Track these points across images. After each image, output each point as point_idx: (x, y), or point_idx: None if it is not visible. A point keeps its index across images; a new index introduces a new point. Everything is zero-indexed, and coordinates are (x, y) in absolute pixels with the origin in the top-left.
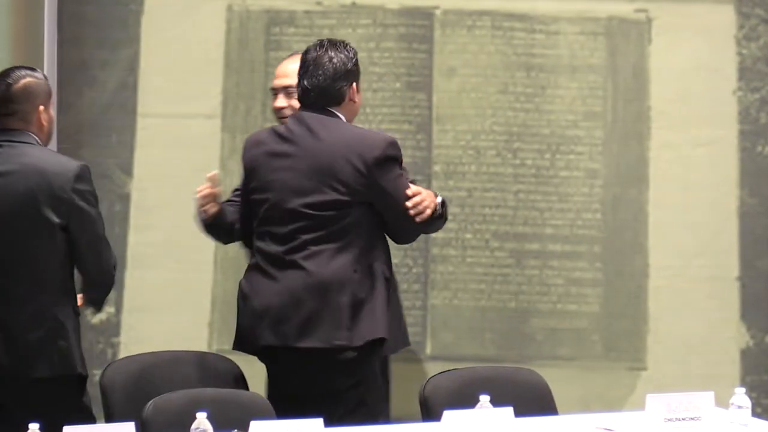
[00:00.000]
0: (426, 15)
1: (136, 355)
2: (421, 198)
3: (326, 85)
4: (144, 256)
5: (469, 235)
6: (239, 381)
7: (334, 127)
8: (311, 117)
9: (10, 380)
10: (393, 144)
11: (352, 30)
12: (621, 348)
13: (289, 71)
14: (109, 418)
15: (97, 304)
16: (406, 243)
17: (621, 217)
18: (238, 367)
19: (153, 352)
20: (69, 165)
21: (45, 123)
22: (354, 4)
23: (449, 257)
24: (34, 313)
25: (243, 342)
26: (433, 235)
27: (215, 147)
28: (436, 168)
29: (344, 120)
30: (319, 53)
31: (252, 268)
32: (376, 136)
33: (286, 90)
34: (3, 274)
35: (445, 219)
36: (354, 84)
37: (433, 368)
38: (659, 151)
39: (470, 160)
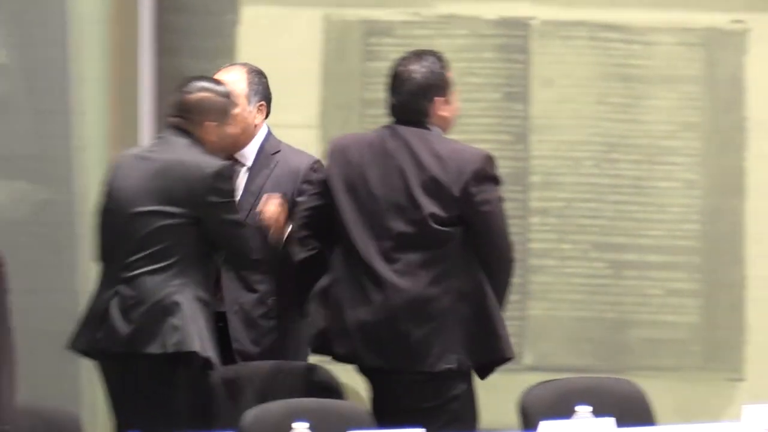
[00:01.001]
0: (523, 25)
1: (235, 365)
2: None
3: (408, 101)
4: None
5: (567, 246)
6: (338, 391)
7: (428, 141)
8: (406, 131)
9: (127, 355)
10: (489, 159)
11: (450, 40)
12: (719, 359)
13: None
14: (207, 429)
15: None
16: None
17: (719, 228)
18: (336, 377)
19: (252, 363)
20: (211, 162)
21: (213, 138)
22: (451, 14)
23: (547, 267)
24: (151, 292)
25: (324, 347)
26: (532, 245)
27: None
28: (534, 178)
29: (439, 133)
30: (402, 68)
31: (338, 277)
32: (472, 151)
33: None
34: (129, 251)
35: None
36: (440, 98)
37: (531, 379)
38: (757, 161)
39: (568, 171)
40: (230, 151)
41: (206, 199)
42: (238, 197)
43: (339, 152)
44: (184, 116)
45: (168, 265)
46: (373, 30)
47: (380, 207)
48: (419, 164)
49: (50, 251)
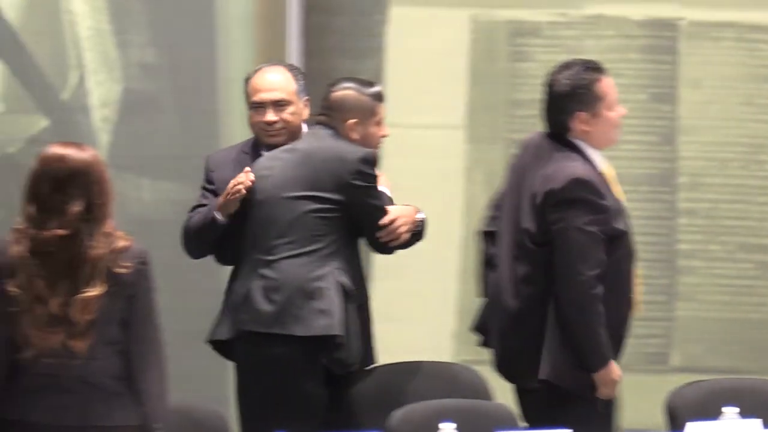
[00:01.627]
0: (671, 26)
1: (382, 365)
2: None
3: (549, 113)
4: (389, 266)
5: (714, 247)
6: (484, 391)
7: (546, 158)
8: (542, 141)
9: (269, 336)
10: (574, 181)
11: (596, 41)
12: None
13: (275, 83)
14: (354, 428)
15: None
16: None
17: None
18: (483, 378)
19: (398, 363)
20: (357, 150)
21: (356, 136)
22: (598, 15)
23: (695, 269)
24: (295, 276)
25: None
26: (680, 246)
27: (459, 158)
28: (682, 179)
29: (582, 147)
30: (549, 78)
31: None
32: (564, 171)
33: (276, 104)
34: (273, 236)
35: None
36: (583, 111)
37: (678, 379)
38: None
39: (715, 172)
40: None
41: (350, 182)
42: None
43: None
44: (327, 113)
45: (312, 250)
46: (520, 30)
47: (503, 220)
48: (532, 180)
49: None
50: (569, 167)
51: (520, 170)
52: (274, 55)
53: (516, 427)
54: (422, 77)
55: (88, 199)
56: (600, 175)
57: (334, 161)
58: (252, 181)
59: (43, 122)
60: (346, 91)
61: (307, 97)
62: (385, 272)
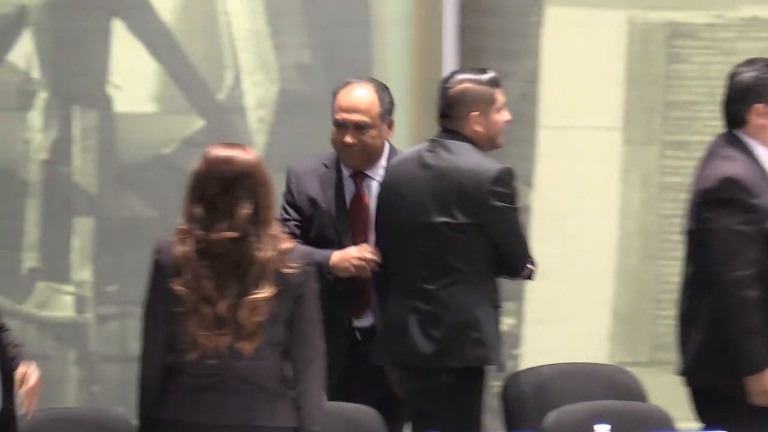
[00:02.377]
0: None
1: (538, 366)
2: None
3: (728, 106)
4: (544, 268)
5: None
6: (639, 393)
7: (712, 157)
8: (714, 142)
9: (424, 370)
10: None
11: (752, 43)
12: None
13: (360, 105)
14: (510, 429)
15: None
16: None
17: None
18: (638, 379)
19: (554, 364)
20: (488, 167)
21: (479, 128)
22: (754, 17)
23: None
24: (448, 305)
25: None
26: None
27: (616, 159)
28: None
29: (752, 145)
30: (732, 71)
31: None
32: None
33: (357, 126)
34: (419, 264)
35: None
36: (762, 104)
37: None
38: None
39: None
40: (493, 143)
41: (486, 203)
42: (373, 211)
43: None
44: (448, 112)
45: (462, 277)
46: (677, 32)
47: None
48: (695, 181)
49: None
50: (723, 166)
51: (695, 172)
52: (430, 56)
53: (671, 428)
54: (578, 79)
55: (254, 201)
56: (763, 173)
57: (467, 184)
58: (377, 262)
59: (198, 123)
60: (462, 84)
61: (391, 118)
62: (541, 274)
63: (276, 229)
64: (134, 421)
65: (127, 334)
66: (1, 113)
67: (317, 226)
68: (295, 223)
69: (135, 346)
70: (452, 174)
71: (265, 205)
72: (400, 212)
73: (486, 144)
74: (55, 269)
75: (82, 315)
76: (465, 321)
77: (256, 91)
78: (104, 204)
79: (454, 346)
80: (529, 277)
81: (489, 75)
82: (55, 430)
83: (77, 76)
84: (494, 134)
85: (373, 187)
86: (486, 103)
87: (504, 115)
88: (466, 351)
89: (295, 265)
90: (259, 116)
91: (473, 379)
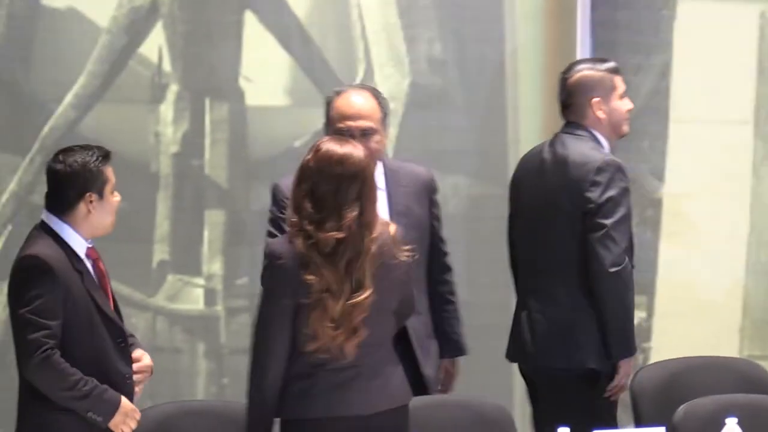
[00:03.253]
0: None
1: (667, 360)
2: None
3: None
4: (675, 261)
5: None
6: None
7: None
8: None
9: (536, 369)
10: None
11: None
12: None
13: (364, 111)
14: (638, 423)
15: None
16: None
17: None
18: None
19: (683, 358)
20: (594, 158)
21: (601, 115)
22: None
23: None
24: (554, 306)
25: None
26: None
27: (747, 153)
28: None
29: None
30: None
31: None
32: None
33: (363, 133)
34: (532, 259)
35: None
36: None
37: None
38: None
39: None
40: (617, 131)
41: (585, 195)
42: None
43: None
44: (569, 102)
45: (569, 274)
46: None
47: None
48: None
49: (486, 245)
50: None
51: None
52: (563, 51)
53: None
54: (710, 73)
55: (361, 200)
56: None
57: (575, 173)
58: None
59: None
60: (581, 72)
61: (387, 122)
62: (671, 267)
63: (380, 221)
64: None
65: None
66: (133, 106)
67: None
68: None
69: None
70: (562, 167)
71: (371, 204)
72: (522, 207)
73: (610, 132)
74: (186, 262)
75: (212, 308)
76: (568, 323)
77: (387, 85)
78: (235, 197)
79: (556, 346)
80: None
81: (608, 63)
82: (185, 423)
83: (209, 69)
84: (617, 121)
85: (379, 195)
86: (606, 89)
87: (626, 104)
88: (568, 352)
89: (402, 251)
90: (390, 109)
91: (593, 376)
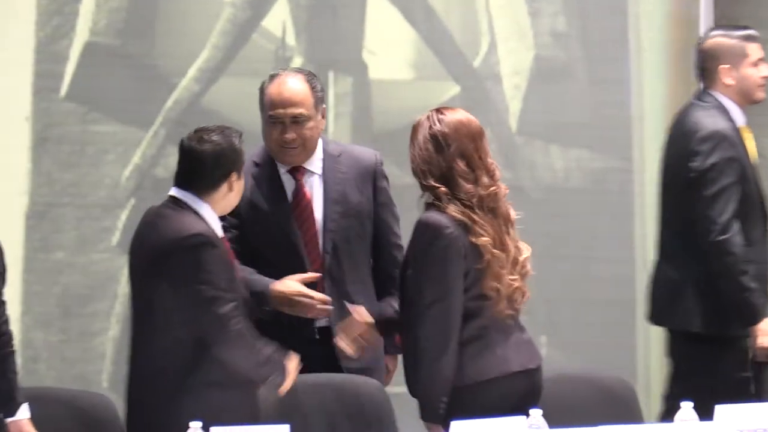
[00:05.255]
0: None
1: None
2: None
3: None
4: None
5: None
6: None
7: None
8: None
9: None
10: None
11: None
12: None
13: (294, 98)
14: None
15: None
16: None
17: None
18: None
19: None
20: (702, 125)
21: (730, 82)
22: None
23: None
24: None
25: None
26: None
27: None
28: None
29: None
30: None
31: None
32: None
33: (294, 120)
34: (661, 231)
35: None
36: None
37: None
38: None
39: None
40: (748, 97)
41: (689, 164)
42: (318, 206)
43: None
44: (702, 68)
45: (686, 242)
46: None
47: None
48: None
49: (608, 219)
50: None
51: None
52: (686, 24)
53: None
54: None
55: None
56: None
57: (684, 141)
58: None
59: (453, 90)
60: (713, 39)
61: (324, 106)
62: None
63: None
64: (388, 389)
65: None
66: (256, 80)
67: (260, 232)
68: (234, 233)
69: None
70: (679, 135)
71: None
72: (660, 174)
73: (740, 98)
74: None
75: None
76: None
77: (511, 58)
78: None
79: (674, 308)
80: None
81: (743, 30)
82: (307, 396)
83: (332, 43)
84: (748, 88)
85: (315, 182)
86: (736, 56)
87: (762, 71)
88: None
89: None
90: (513, 83)
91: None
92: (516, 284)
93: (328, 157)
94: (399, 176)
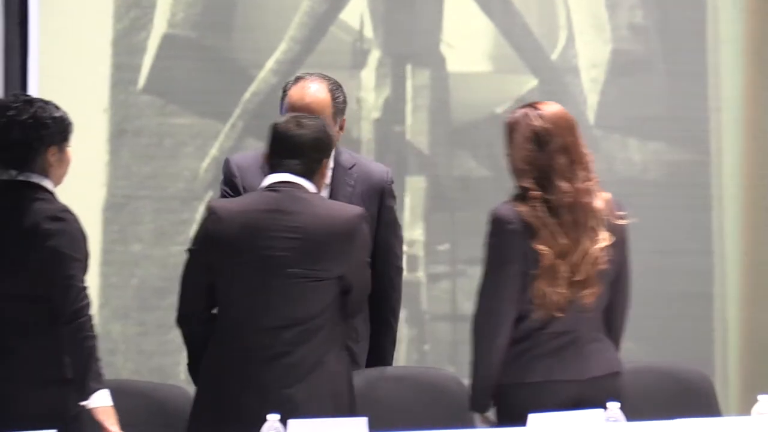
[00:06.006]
0: None
1: None
2: None
3: None
4: None
5: None
6: None
7: None
8: None
9: None
10: None
11: None
12: None
13: (312, 104)
14: None
15: None
16: None
17: None
18: None
19: None
20: None
21: None
22: None
23: None
24: None
25: None
26: None
27: None
28: None
29: None
30: None
31: None
32: None
33: None
34: None
35: None
36: None
37: None
38: None
39: None
40: None
41: None
42: None
43: None
44: None
45: None
46: None
47: None
48: None
49: (686, 212)
50: None
51: None
52: (763, 16)
53: None
54: None
55: None
56: None
57: None
58: None
59: (531, 82)
60: None
61: (343, 119)
62: None
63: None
64: (465, 381)
65: (458, 294)
66: (335, 72)
67: None
68: None
69: (466, 306)
70: None
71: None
72: None
73: None
74: None
75: (414, 274)
76: None
77: (589, 51)
78: (436, 163)
79: None
80: None
81: None
82: (386, 389)
83: (410, 35)
84: None
85: (322, 192)
86: None
87: None
88: None
89: (622, 214)
90: (591, 76)
91: None
92: (569, 296)
93: (339, 168)
94: (475, 169)
